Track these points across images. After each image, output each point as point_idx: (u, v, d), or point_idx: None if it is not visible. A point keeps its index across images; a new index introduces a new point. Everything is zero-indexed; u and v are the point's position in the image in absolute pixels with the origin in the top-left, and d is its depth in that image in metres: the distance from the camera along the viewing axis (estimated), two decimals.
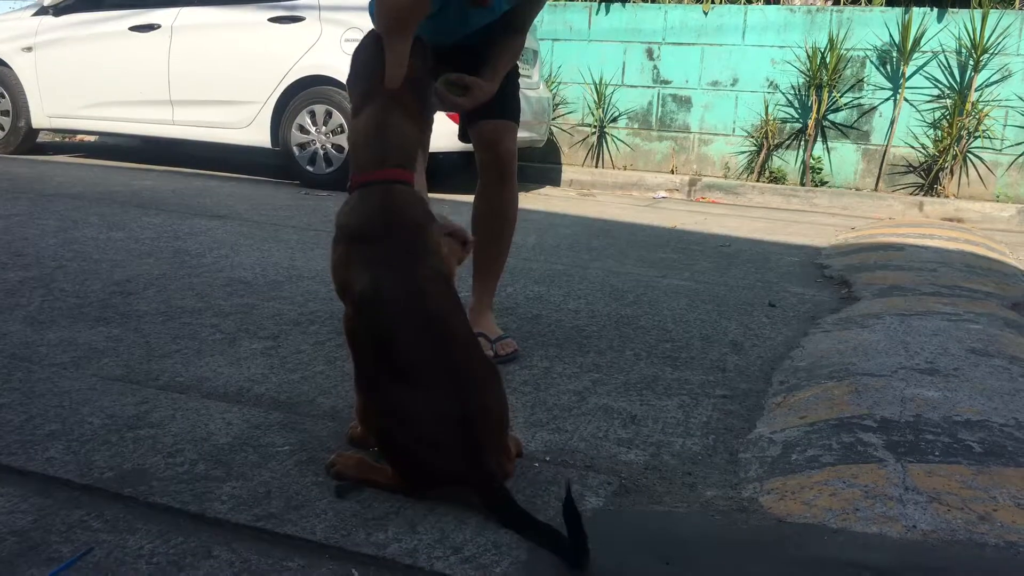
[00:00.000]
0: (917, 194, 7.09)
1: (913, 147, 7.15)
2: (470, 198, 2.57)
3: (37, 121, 7.02)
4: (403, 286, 1.58)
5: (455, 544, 1.41)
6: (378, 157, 1.66)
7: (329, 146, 5.97)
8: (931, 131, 7.08)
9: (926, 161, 7.11)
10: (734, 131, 7.67)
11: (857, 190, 7.29)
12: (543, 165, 7.83)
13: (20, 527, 1.40)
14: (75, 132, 8.22)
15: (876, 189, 7.26)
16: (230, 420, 1.87)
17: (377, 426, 1.57)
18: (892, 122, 7.15)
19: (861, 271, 3.93)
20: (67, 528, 1.41)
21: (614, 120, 8.00)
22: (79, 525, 1.42)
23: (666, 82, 7.80)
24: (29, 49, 6.86)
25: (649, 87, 7.87)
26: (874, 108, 7.25)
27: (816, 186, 7.34)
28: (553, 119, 7.77)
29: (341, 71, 5.82)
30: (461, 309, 1.69)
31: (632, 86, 7.91)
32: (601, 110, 7.90)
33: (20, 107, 6.97)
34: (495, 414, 1.58)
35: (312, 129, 6.00)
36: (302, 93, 6.01)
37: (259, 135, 6.20)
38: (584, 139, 8.09)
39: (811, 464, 1.75)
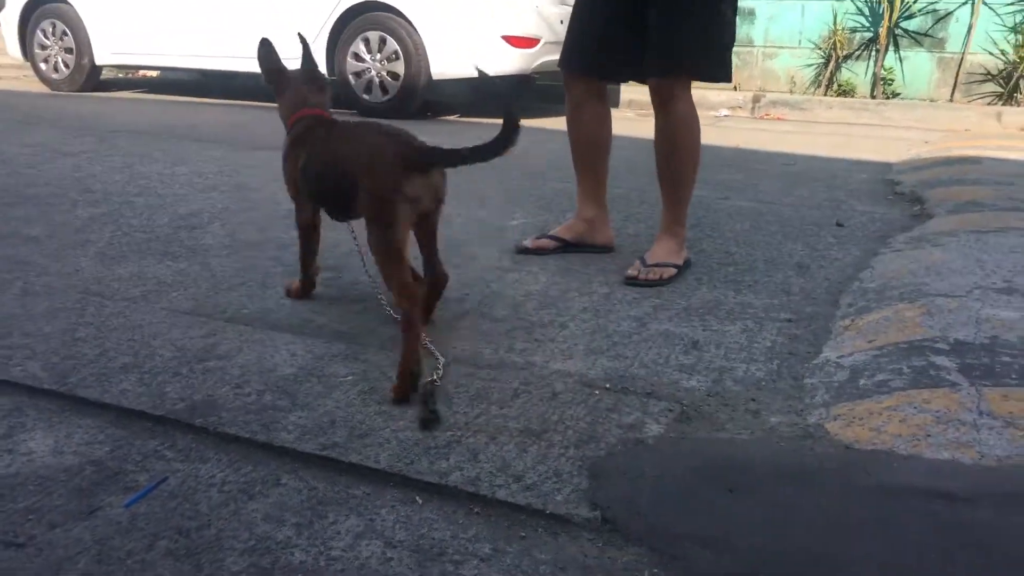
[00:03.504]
0: (995, 104, 6.75)
1: (992, 54, 6.78)
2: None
3: (100, 58, 7.10)
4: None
5: (516, 473, 1.42)
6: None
7: (384, 74, 5.92)
8: (1011, 36, 6.68)
9: (1005, 68, 6.74)
10: (800, 43, 7.37)
11: (931, 101, 6.97)
12: None
13: (98, 457, 1.45)
14: (137, 68, 8.30)
15: (951, 100, 6.93)
16: (294, 351, 1.90)
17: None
18: (969, 28, 6.78)
19: (935, 187, 3.78)
20: (142, 458, 1.46)
21: None
22: (154, 455, 1.47)
23: None
24: None
25: None
26: (950, 13, 6.88)
27: (887, 98, 7.05)
28: None
29: None
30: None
31: None
32: None
33: (83, 45, 7.06)
34: None
35: (367, 57, 5.95)
36: (356, 20, 5.95)
37: None
38: None
39: (880, 389, 1.70)
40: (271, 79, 2.29)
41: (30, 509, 1.30)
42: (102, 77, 7.62)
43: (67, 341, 1.92)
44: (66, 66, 7.21)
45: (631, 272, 2.47)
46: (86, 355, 1.85)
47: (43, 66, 7.29)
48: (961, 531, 1.26)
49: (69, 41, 7.09)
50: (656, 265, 2.48)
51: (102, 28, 6.94)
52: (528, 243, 2.74)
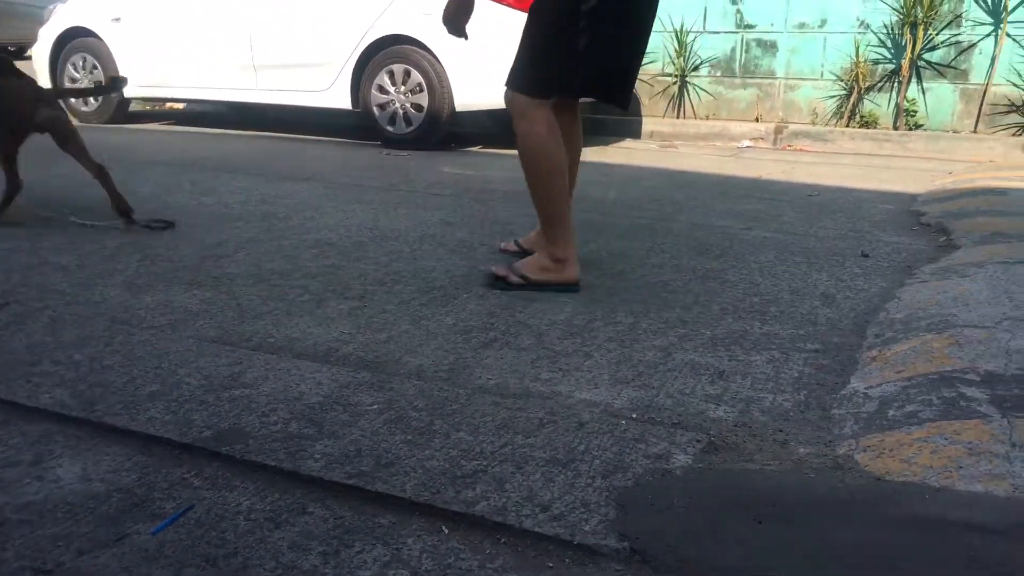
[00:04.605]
0: (1020, 135, 6.70)
1: (1016, 85, 6.75)
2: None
3: (128, 91, 7.21)
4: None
5: (543, 502, 1.41)
6: None
7: (408, 105, 5.98)
8: None
9: None
10: (822, 75, 7.37)
11: (955, 132, 6.95)
12: (623, 117, 7.68)
13: (125, 484, 1.46)
14: (164, 100, 8.43)
15: (975, 131, 6.90)
16: (320, 380, 1.90)
17: None
18: (993, 59, 6.76)
19: (960, 217, 3.75)
20: (169, 486, 1.46)
21: (695, 69, 7.78)
22: (180, 483, 1.47)
23: (750, 26, 7.53)
24: (117, 20, 7.04)
25: (732, 32, 7.61)
26: (973, 45, 6.86)
27: (910, 129, 7.02)
28: None
29: (419, 30, 5.83)
30: None
31: (714, 32, 7.67)
32: (682, 59, 7.69)
33: None
34: None
35: (391, 89, 6.02)
36: (381, 53, 6.02)
37: (340, 97, 6.25)
38: (665, 89, 7.89)
39: (910, 420, 1.68)
40: None
41: (58, 536, 1.31)
42: (130, 109, 7.75)
43: (95, 369, 1.94)
44: (95, 99, 7.34)
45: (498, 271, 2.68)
46: (114, 383, 1.86)
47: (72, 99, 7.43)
48: (996, 564, 1.23)
49: (99, 74, 7.22)
50: (513, 269, 2.64)
51: (130, 62, 7.06)
52: (502, 245, 3.12)
